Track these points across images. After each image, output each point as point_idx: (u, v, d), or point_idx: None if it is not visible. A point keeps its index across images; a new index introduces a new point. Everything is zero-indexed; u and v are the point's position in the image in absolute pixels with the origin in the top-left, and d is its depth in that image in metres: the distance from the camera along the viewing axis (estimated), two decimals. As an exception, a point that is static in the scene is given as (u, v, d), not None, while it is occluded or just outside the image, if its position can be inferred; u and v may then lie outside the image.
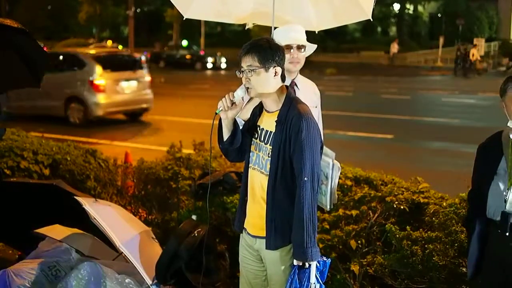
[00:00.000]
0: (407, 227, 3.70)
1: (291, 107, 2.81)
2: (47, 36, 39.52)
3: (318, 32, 4.31)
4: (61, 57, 14.26)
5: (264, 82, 2.80)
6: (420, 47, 40.10)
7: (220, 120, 2.93)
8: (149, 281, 3.62)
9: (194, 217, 4.02)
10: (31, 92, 12.17)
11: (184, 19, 4.25)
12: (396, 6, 48.20)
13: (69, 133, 10.97)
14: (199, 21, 36.40)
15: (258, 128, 2.95)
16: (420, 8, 49.02)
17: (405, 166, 8.79)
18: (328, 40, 40.05)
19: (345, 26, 40.00)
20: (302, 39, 3.58)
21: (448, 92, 21.82)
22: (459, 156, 9.77)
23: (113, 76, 13.49)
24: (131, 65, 14.31)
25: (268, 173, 2.84)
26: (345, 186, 4.12)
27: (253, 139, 2.97)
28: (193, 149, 5.55)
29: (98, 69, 13.24)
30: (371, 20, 4.07)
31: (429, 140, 12.11)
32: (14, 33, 3.84)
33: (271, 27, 3.84)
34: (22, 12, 39.96)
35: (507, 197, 2.80)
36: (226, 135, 2.93)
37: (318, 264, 2.79)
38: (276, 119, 2.83)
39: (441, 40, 34.91)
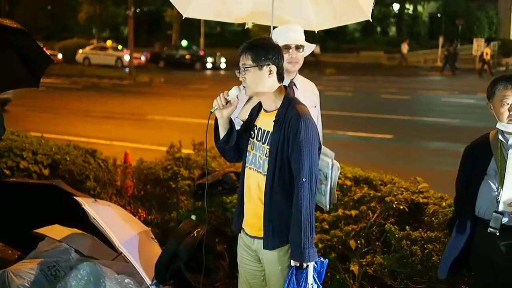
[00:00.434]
0: (407, 227, 3.70)
1: (290, 107, 2.81)
2: (46, 36, 39.56)
3: (318, 32, 4.31)
4: None
5: (258, 81, 2.80)
6: (420, 47, 40.11)
7: (216, 119, 2.94)
8: (148, 281, 3.62)
9: (193, 217, 4.02)
10: None
11: (183, 18, 4.25)
12: (396, 6, 48.25)
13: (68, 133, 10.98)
14: (199, 21, 36.47)
15: (255, 128, 2.95)
16: (419, 8, 49.04)
17: (404, 166, 8.79)
18: (328, 40, 40.07)
19: (345, 26, 40.07)
20: (301, 39, 3.59)
21: (447, 92, 21.84)
22: (458, 156, 9.60)
23: None
24: None
25: (265, 173, 2.84)
26: (345, 186, 4.12)
27: (249, 138, 2.97)
28: (192, 149, 5.55)
29: None
30: (371, 20, 4.07)
31: (428, 140, 12.12)
32: (13, 33, 3.84)
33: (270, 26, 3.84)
34: (22, 12, 39.97)
35: (499, 197, 2.85)
36: (221, 134, 2.94)
37: (315, 265, 2.79)
38: (274, 118, 2.83)
39: (441, 40, 34.95)
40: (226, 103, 2.86)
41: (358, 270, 3.72)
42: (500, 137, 2.93)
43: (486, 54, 29.55)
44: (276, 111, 2.84)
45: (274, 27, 3.76)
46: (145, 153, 6.74)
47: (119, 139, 11.57)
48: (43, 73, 4.35)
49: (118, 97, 19.80)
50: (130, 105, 17.52)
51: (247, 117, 3.05)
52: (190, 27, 40.50)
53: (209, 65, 33.64)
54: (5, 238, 4.65)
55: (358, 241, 3.79)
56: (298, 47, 3.55)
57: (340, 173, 3.46)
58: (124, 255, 3.68)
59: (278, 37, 3.49)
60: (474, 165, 3.01)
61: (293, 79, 3.62)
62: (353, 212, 3.87)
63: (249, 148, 2.97)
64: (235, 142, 2.97)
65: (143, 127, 13.61)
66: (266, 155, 2.84)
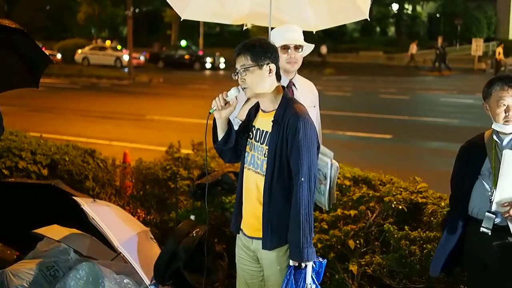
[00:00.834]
0: (406, 227, 3.71)
1: (288, 107, 2.81)
2: (46, 37, 39.50)
3: (316, 32, 4.31)
4: None
5: (259, 80, 2.80)
6: (419, 47, 40.09)
7: (214, 119, 2.93)
8: (147, 281, 3.62)
9: (192, 217, 4.02)
10: None
11: (181, 20, 4.24)
12: (395, 6, 48.23)
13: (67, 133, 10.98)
14: (198, 21, 36.37)
15: (253, 128, 2.95)
16: (418, 8, 49.04)
17: (403, 166, 8.79)
18: (327, 40, 40.06)
19: (344, 26, 40.06)
20: (299, 39, 3.59)
21: (447, 92, 21.84)
22: (457, 156, 9.74)
23: None
24: None
25: (264, 173, 2.84)
26: (344, 186, 4.13)
27: (248, 139, 2.97)
28: (191, 149, 5.55)
29: None
30: (369, 19, 4.07)
31: (428, 140, 12.12)
32: (13, 33, 3.84)
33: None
34: (20, 13, 39.99)
35: (492, 198, 2.85)
36: (220, 135, 2.94)
37: (314, 265, 2.80)
38: (272, 119, 2.83)
39: (440, 40, 34.94)
40: (225, 104, 2.86)
41: (357, 270, 3.72)
42: (495, 137, 2.94)
43: (499, 53, 29.32)
44: (274, 111, 2.84)
45: (272, 28, 3.76)
46: (144, 153, 6.74)
47: (118, 139, 11.56)
48: (43, 73, 4.35)
49: (117, 97, 19.79)
50: (129, 105, 17.51)
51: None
52: (189, 27, 40.42)
53: (208, 65, 33.63)
54: (4, 238, 4.65)
55: (357, 241, 3.79)
56: (297, 47, 3.55)
57: (339, 173, 3.46)
58: (123, 255, 3.68)
59: (277, 38, 3.49)
60: (469, 164, 3.02)
61: (292, 79, 3.63)
62: (352, 212, 3.87)
63: (247, 149, 2.96)
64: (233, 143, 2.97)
65: (142, 127, 13.60)
66: (265, 155, 2.84)
